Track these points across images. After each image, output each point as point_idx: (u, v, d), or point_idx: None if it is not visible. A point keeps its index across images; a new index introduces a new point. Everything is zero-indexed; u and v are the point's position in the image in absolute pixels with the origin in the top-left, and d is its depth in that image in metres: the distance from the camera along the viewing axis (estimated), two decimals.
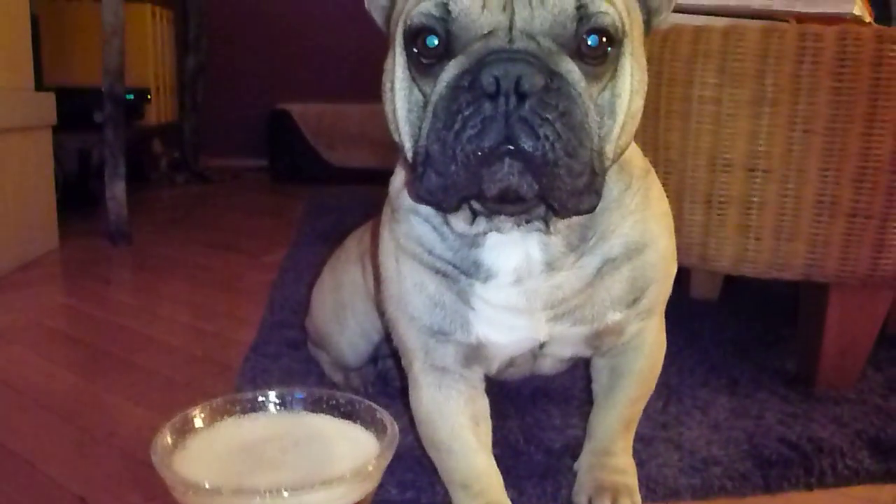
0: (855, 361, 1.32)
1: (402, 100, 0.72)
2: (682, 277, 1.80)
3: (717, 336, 1.59)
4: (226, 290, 2.01)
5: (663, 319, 0.97)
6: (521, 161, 0.64)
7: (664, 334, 0.98)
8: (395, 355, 1.24)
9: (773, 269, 1.23)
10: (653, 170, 0.89)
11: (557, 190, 0.65)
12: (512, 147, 0.63)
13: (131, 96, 3.09)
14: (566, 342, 0.89)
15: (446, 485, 0.92)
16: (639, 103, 0.73)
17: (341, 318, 1.23)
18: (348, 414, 0.65)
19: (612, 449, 0.99)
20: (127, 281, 2.21)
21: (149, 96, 3.40)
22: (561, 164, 0.64)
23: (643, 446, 1.08)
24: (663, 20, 0.79)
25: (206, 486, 0.54)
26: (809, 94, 1.15)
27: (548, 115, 0.63)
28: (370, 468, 0.56)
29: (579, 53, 0.67)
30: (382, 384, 1.32)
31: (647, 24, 0.78)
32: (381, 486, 0.62)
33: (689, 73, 1.21)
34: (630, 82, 0.71)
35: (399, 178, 0.89)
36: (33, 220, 2.32)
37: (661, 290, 0.91)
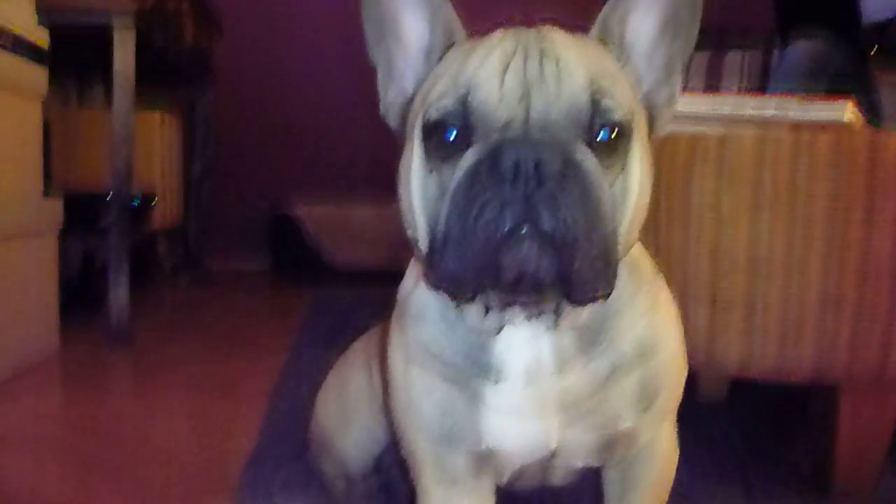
0: (871, 461, 1.28)
1: (419, 190, 0.73)
2: (689, 379, 1.78)
3: (729, 438, 1.55)
4: (226, 396, 1.98)
5: (675, 426, 0.95)
6: (539, 242, 0.65)
7: (676, 441, 0.96)
8: (401, 465, 1.21)
9: (781, 371, 1.21)
10: (660, 274, 0.90)
11: (574, 273, 0.66)
12: (531, 229, 0.64)
13: (137, 201, 3.13)
14: (578, 450, 0.86)
15: None
16: (646, 198, 0.75)
17: (347, 422, 1.21)
18: None
19: None
20: (126, 386, 2.19)
21: (154, 202, 3.46)
22: (578, 246, 0.65)
23: None
24: (665, 124, 0.82)
25: None
26: (807, 197, 1.17)
27: (565, 198, 0.64)
28: None
29: (592, 144, 0.69)
30: (386, 495, 1.28)
31: (650, 126, 0.80)
32: None
33: (688, 180, 1.23)
34: (639, 174, 0.73)
35: (409, 282, 0.89)
36: (35, 325, 2.31)
37: (673, 394, 0.90)
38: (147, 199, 3.34)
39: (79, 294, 2.94)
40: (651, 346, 0.84)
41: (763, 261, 1.20)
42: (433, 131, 0.72)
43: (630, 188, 0.72)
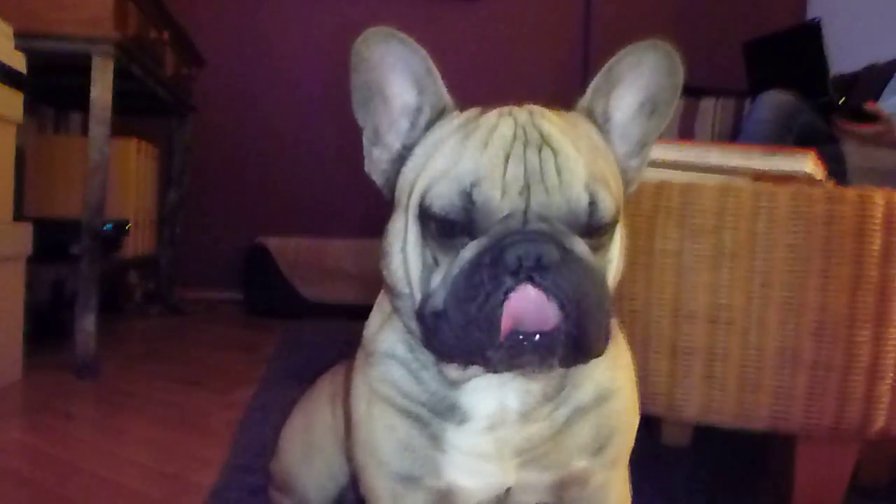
0: None
1: (415, 260, 0.76)
2: (652, 424, 1.79)
3: (690, 484, 1.56)
4: (190, 430, 1.96)
5: (627, 472, 0.96)
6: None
7: (629, 488, 0.97)
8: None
9: (740, 420, 1.23)
10: (615, 320, 0.91)
11: (581, 341, 0.70)
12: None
13: (110, 227, 3.11)
14: (533, 488, 0.88)
15: None
16: (623, 262, 0.80)
17: (309, 458, 1.21)
18: None
19: None
20: (89, 417, 2.15)
21: (127, 228, 3.43)
22: (583, 317, 0.69)
23: None
24: (633, 187, 0.86)
25: None
26: (766, 249, 1.20)
27: (566, 282, 0.68)
28: None
29: (585, 235, 0.73)
30: None
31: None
32: None
33: (651, 227, 1.26)
34: (619, 246, 0.78)
35: (375, 321, 0.90)
36: None
37: (626, 440, 0.91)
38: (120, 226, 3.32)
39: (47, 322, 2.90)
40: (609, 391, 0.87)
41: (723, 312, 1.22)
42: (433, 219, 0.73)
43: (613, 260, 0.77)
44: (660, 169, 1.29)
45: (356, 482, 1.21)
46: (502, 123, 0.74)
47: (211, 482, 1.48)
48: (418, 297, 0.75)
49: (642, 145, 0.84)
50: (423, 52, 0.79)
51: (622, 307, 1.28)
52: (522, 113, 0.76)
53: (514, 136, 0.73)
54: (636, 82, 0.80)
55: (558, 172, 0.71)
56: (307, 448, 1.22)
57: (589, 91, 0.81)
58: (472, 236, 0.72)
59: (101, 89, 2.47)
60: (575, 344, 0.70)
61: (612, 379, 0.87)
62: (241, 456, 1.64)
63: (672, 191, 1.25)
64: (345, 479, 1.21)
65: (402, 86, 0.81)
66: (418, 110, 0.81)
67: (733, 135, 3.45)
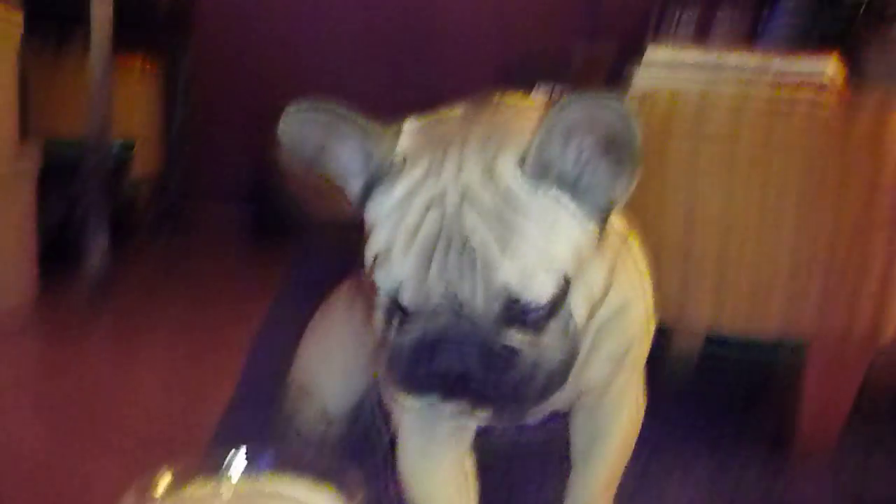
0: (835, 420, 1.31)
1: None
2: (662, 333, 1.80)
3: (699, 393, 1.58)
4: (204, 346, 1.99)
5: (642, 380, 0.97)
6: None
7: (643, 395, 0.98)
8: (382, 410, 1.23)
9: (751, 328, 1.23)
10: (630, 231, 0.90)
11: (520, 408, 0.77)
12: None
13: (117, 147, 3.09)
14: (551, 402, 0.88)
15: None
16: (600, 294, 0.77)
17: (329, 364, 1.24)
18: (318, 475, 0.64)
19: None
20: (104, 335, 2.18)
21: (134, 148, 3.42)
22: (517, 400, 0.74)
23: (625, 502, 1.06)
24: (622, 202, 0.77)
25: None
26: (783, 157, 1.18)
27: (494, 386, 0.71)
28: None
29: (520, 322, 0.71)
30: (364, 440, 1.30)
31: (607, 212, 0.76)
32: None
33: (665, 137, 1.23)
34: (584, 300, 0.75)
35: None
36: (11, 272, 2.29)
37: (642, 348, 0.93)
38: (127, 146, 3.30)
39: (58, 243, 2.92)
40: (619, 307, 0.86)
41: (736, 220, 1.21)
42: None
43: (576, 312, 0.74)
44: (676, 73, 1.25)
45: (376, 390, 1.24)
46: (429, 219, 0.72)
47: (227, 395, 1.51)
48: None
49: (617, 176, 0.73)
50: (352, 118, 0.76)
51: (634, 212, 1.27)
52: (453, 199, 0.71)
53: (438, 236, 0.71)
54: (594, 131, 0.70)
55: (479, 275, 0.69)
56: (327, 354, 1.24)
57: (535, 145, 0.71)
58: (410, 320, 0.73)
59: (102, 7, 2.41)
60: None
61: (622, 296, 0.86)
62: (255, 370, 1.67)
63: (687, 97, 1.22)
64: (364, 384, 1.23)
65: (341, 146, 0.78)
66: (366, 165, 0.78)
67: (752, 42, 3.36)
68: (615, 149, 0.70)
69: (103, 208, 2.48)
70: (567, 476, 1.02)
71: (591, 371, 0.87)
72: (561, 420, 1.04)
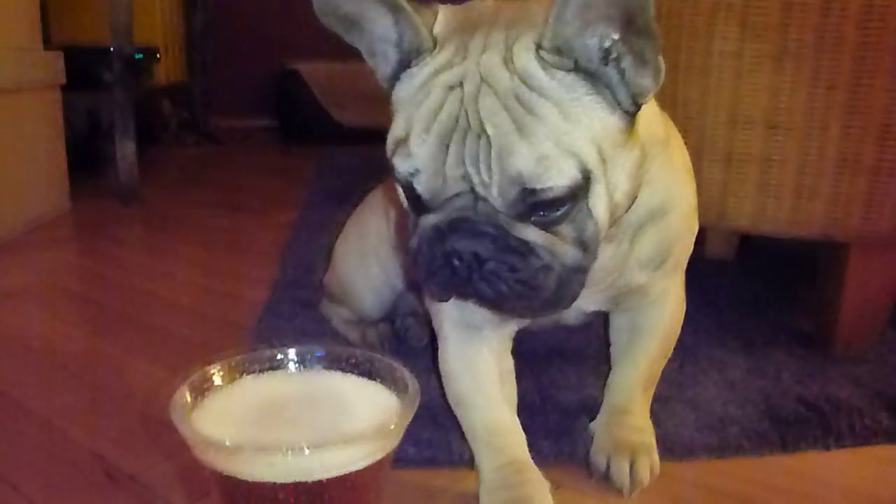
0: (874, 321, 1.30)
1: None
2: (698, 236, 1.78)
3: (733, 296, 1.57)
4: (237, 251, 2.01)
5: (683, 279, 0.96)
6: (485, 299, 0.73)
7: (684, 292, 0.98)
8: (422, 310, 1.23)
9: (793, 227, 1.21)
10: (674, 133, 0.88)
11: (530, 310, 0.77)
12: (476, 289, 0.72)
13: (140, 55, 3.05)
14: (593, 300, 0.90)
15: (469, 441, 0.92)
16: (624, 200, 0.74)
17: (365, 267, 1.24)
18: (367, 372, 0.64)
19: (630, 408, 0.99)
20: (138, 241, 2.21)
21: (157, 55, 3.37)
22: (519, 304, 0.73)
23: (660, 406, 1.07)
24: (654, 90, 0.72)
25: (227, 443, 0.54)
26: (834, 48, 1.12)
27: (502, 279, 0.70)
28: (392, 426, 0.56)
29: (537, 213, 0.70)
30: (399, 342, 1.32)
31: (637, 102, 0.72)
32: (398, 444, 0.61)
33: (710, 27, 1.18)
34: (605, 203, 0.72)
35: None
36: (44, 181, 2.31)
37: (684, 249, 0.92)
38: (150, 52, 3.26)
39: (85, 153, 2.92)
40: (662, 209, 0.85)
41: (783, 116, 1.17)
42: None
43: (591, 219, 0.72)
44: None
45: (413, 291, 1.25)
46: (448, 104, 0.69)
47: (263, 298, 1.53)
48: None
49: (643, 63, 0.69)
50: None
51: (676, 113, 1.23)
52: (473, 81, 0.69)
53: (456, 120, 0.69)
54: (610, 4, 0.65)
55: (494, 162, 0.67)
56: (362, 257, 1.24)
57: (550, 26, 0.67)
58: (430, 208, 0.72)
59: None
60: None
61: (664, 197, 0.85)
62: (289, 273, 1.68)
63: None
64: (401, 285, 1.24)
65: (377, 19, 0.74)
66: (399, 42, 0.74)
67: None
68: (635, 23, 0.66)
69: (129, 115, 2.46)
70: (606, 377, 1.03)
71: (629, 273, 0.87)
72: (602, 320, 1.05)
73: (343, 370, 0.65)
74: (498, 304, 0.74)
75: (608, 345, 1.03)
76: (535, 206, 0.69)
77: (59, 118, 2.42)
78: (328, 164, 3.10)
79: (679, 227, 0.88)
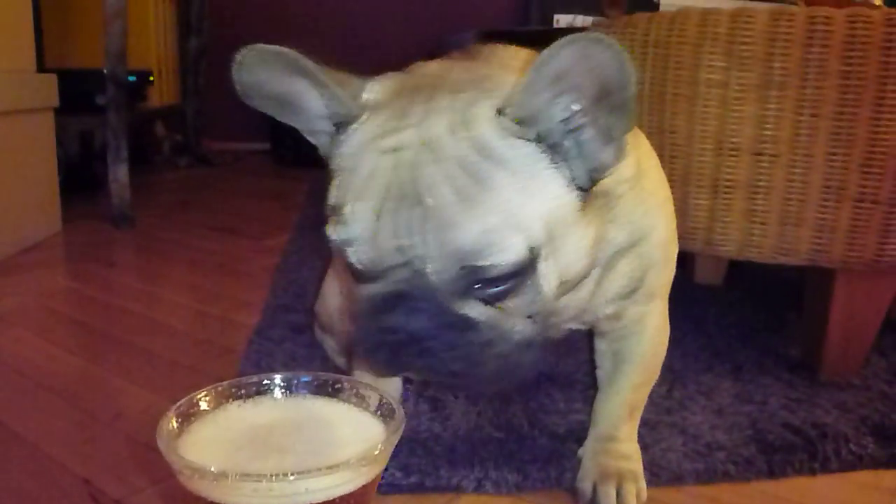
0: (860, 348, 1.31)
1: None
2: (687, 262, 1.80)
3: (722, 321, 1.58)
4: (229, 274, 2.01)
5: (666, 304, 0.97)
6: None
7: (667, 319, 0.98)
8: None
9: (779, 254, 1.22)
10: (650, 164, 0.87)
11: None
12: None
13: (133, 78, 3.07)
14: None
15: None
16: (576, 277, 0.72)
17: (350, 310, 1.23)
18: (353, 398, 0.65)
19: (616, 435, 0.99)
20: (130, 264, 2.21)
21: (151, 78, 3.39)
22: (462, 381, 0.69)
23: (647, 430, 1.08)
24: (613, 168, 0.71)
25: (213, 469, 0.54)
26: (818, 78, 1.14)
27: (442, 354, 0.67)
28: (376, 452, 0.56)
29: (483, 286, 0.66)
30: None
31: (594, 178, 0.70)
32: (385, 469, 0.62)
33: (696, 57, 1.20)
34: (554, 280, 0.69)
35: None
36: (36, 203, 2.31)
37: (662, 274, 0.91)
38: (144, 75, 3.28)
39: (78, 175, 2.93)
40: (633, 240, 0.83)
41: (768, 144, 1.18)
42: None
43: (545, 287, 0.69)
44: None
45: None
46: (383, 168, 0.66)
47: (253, 322, 1.53)
48: None
49: (608, 139, 0.67)
50: (311, 68, 0.70)
51: (662, 141, 1.25)
52: (412, 146, 0.65)
53: (389, 188, 0.65)
54: (586, 76, 0.62)
55: (431, 235, 0.63)
56: (349, 291, 1.24)
57: (519, 94, 0.64)
58: (368, 278, 0.69)
59: None
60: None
61: (635, 229, 0.83)
62: (280, 297, 1.68)
63: (720, 17, 1.18)
64: None
65: (304, 94, 0.73)
66: (329, 115, 0.74)
67: None
68: (609, 100, 0.62)
69: (123, 137, 2.47)
70: (590, 405, 1.03)
71: (601, 301, 0.86)
72: (588, 345, 1.05)
73: (329, 396, 0.65)
74: (440, 379, 0.72)
75: (595, 368, 1.04)
76: (477, 281, 0.66)
77: (52, 141, 2.43)
78: (319, 188, 3.10)
79: (650, 258, 0.86)
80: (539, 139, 0.65)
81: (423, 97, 0.68)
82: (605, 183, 0.72)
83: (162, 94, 3.62)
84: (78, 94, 2.87)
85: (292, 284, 1.76)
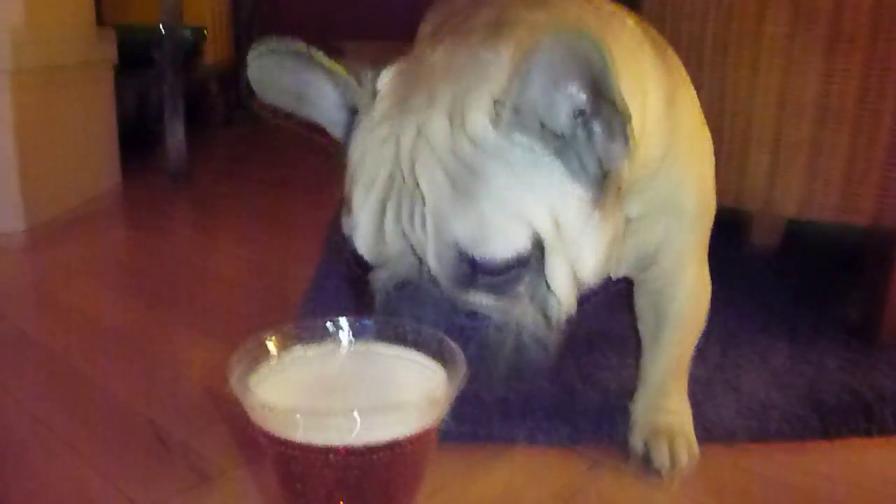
0: None
1: None
2: (743, 224, 1.77)
3: (778, 283, 1.56)
4: (284, 228, 2.04)
5: (704, 262, 0.95)
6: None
7: (706, 277, 0.96)
8: None
9: (842, 213, 1.20)
10: (688, 133, 0.84)
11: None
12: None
13: (189, 34, 3.10)
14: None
15: None
16: (593, 277, 0.71)
17: None
18: (416, 343, 0.66)
19: (665, 390, 0.99)
20: (188, 218, 2.26)
21: (206, 34, 3.41)
22: (482, 368, 0.68)
23: (700, 388, 1.08)
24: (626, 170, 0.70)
25: (282, 407, 0.56)
26: (887, 38, 1.10)
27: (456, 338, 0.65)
28: (439, 394, 0.57)
29: (484, 276, 0.66)
30: None
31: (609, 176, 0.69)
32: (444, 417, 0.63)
33: (761, 11, 1.17)
34: (567, 279, 0.68)
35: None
36: (97, 156, 2.37)
37: (693, 234, 0.89)
38: (199, 32, 3.30)
39: (135, 133, 2.98)
40: (673, 203, 0.83)
41: (834, 101, 1.16)
42: None
43: (559, 291, 0.68)
44: None
45: None
46: (384, 157, 0.67)
47: (310, 274, 1.56)
48: None
49: (611, 133, 0.65)
50: (323, 62, 0.71)
51: (724, 97, 1.23)
52: (409, 135, 0.65)
53: (390, 179, 0.66)
54: (576, 69, 0.60)
55: (429, 224, 0.64)
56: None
57: (514, 83, 0.62)
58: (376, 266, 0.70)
59: None
60: None
61: (679, 190, 0.83)
62: (335, 253, 1.70)
63: None
64: None
65: (319, 86, 0.74)
66: (344, 104, 0.75)
67: None
68: (603, 97, 0.61)
69: (179, 95, 2.51)
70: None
71: (631, 254, 0.85)
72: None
73: (392, 341, 0.66)
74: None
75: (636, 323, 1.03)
76: (480, 272, 0.65)
77: (111, 95, 2.48)
78: None
79: (685, 214, 0.86)
80: (539, 134, 0.65)
81: (424, 85, 0.68)
82: (631, 170, 0.71)
83: (216, 51, 3.65)
84: (133, 50, 2.90)
85: (343, 240, 1.78)
